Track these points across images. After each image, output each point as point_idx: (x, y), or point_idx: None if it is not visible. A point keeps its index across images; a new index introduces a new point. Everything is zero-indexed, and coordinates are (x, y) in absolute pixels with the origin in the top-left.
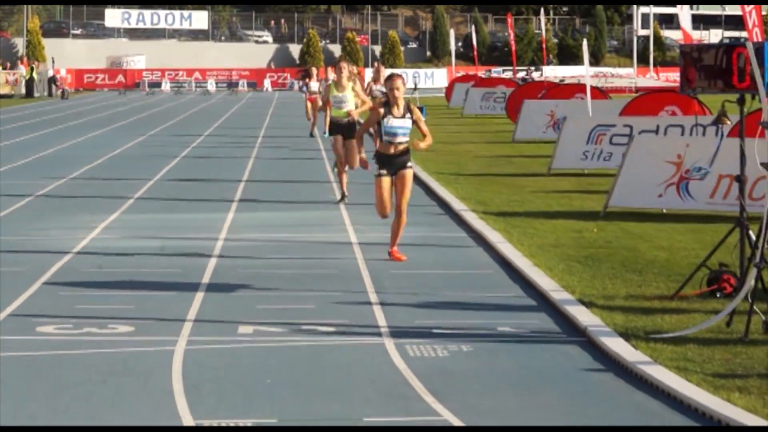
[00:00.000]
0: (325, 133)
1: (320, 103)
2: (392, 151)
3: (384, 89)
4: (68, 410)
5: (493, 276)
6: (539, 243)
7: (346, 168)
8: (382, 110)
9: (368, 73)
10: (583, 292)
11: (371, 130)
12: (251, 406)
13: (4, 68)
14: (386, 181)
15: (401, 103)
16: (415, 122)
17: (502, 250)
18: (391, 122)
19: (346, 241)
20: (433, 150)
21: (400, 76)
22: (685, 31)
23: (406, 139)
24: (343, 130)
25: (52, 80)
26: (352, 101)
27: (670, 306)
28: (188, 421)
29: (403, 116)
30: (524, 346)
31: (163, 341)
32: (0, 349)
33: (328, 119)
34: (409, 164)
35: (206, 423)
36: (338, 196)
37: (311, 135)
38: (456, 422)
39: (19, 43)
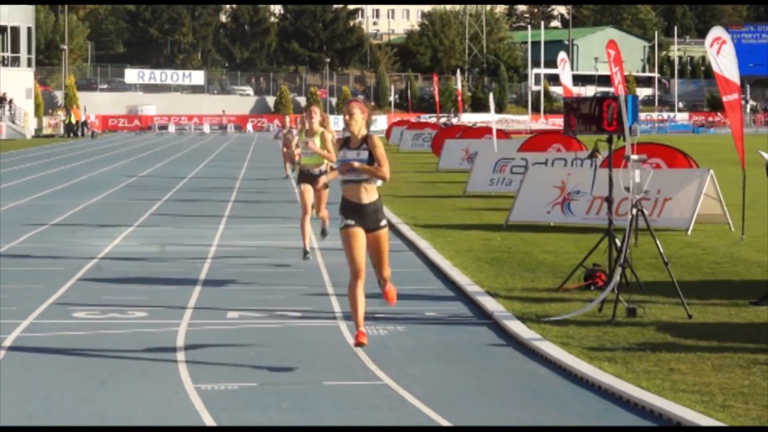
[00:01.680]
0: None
1: (290, 149)
2: (360, 197)
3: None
4: (98, 376)
5: (421, 273)
6: (457, 248)
7: (317, 219)
8: (339, 143)
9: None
10: (490, 285)
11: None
12: (237, 373)
13: (46, 114)
14: (355, 231)
15: (359, 133)
16: (371, 153)
17: (429, 254)
18: (347, 155)
19: (309, 247)
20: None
21: (357, 100)
22: (565, 86)
23: (366, 176)
24: (313, 180)
25: (84, 124)
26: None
27: (555, 296)
28: (188, 384)
29: (359, 147)
30: (445, 327)
31: (169, 323)
32: (44, 330)
33: (297, 169)
34: (383, 223)
35: (203, 387)
36: (303, 251)
37: (286, 177)
38: (392, 384)
39: (59, 95)
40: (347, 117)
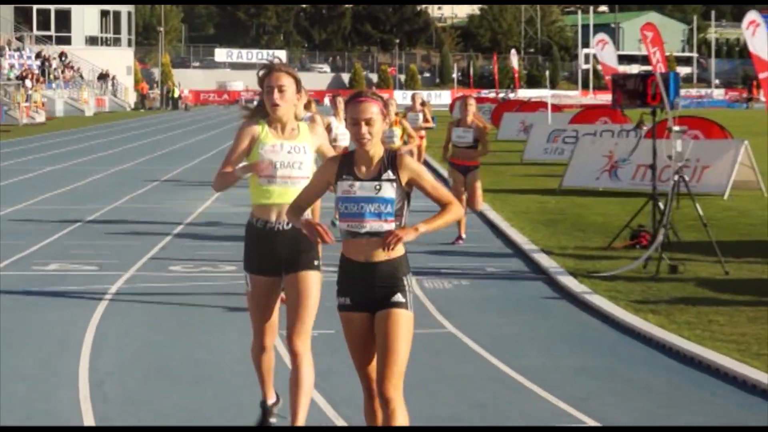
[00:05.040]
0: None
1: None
2: (372, 254)
3: (422, 119)
4: (191, 322)
5: (483, 234)
6: (515, 210)
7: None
8: (335, 166)
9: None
10: (545, 244)
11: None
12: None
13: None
14: (356, 319)
15: (377, 152)
16: (417, 183)
17: (489, 215)
18: (353, 190)
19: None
20: (440, 146)
21: (376, 97)
22: (603, 64)
23: (390, 226)
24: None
25: (178, 98)
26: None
27: (604, 254)
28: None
29: (378, 178)
30: (504, 281)
31: None
32: (141, 281)
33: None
34: (399, 298)
35: (282, 332)
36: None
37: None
38: (456, 333)
39: (156, 72)
40: (360, 128)
